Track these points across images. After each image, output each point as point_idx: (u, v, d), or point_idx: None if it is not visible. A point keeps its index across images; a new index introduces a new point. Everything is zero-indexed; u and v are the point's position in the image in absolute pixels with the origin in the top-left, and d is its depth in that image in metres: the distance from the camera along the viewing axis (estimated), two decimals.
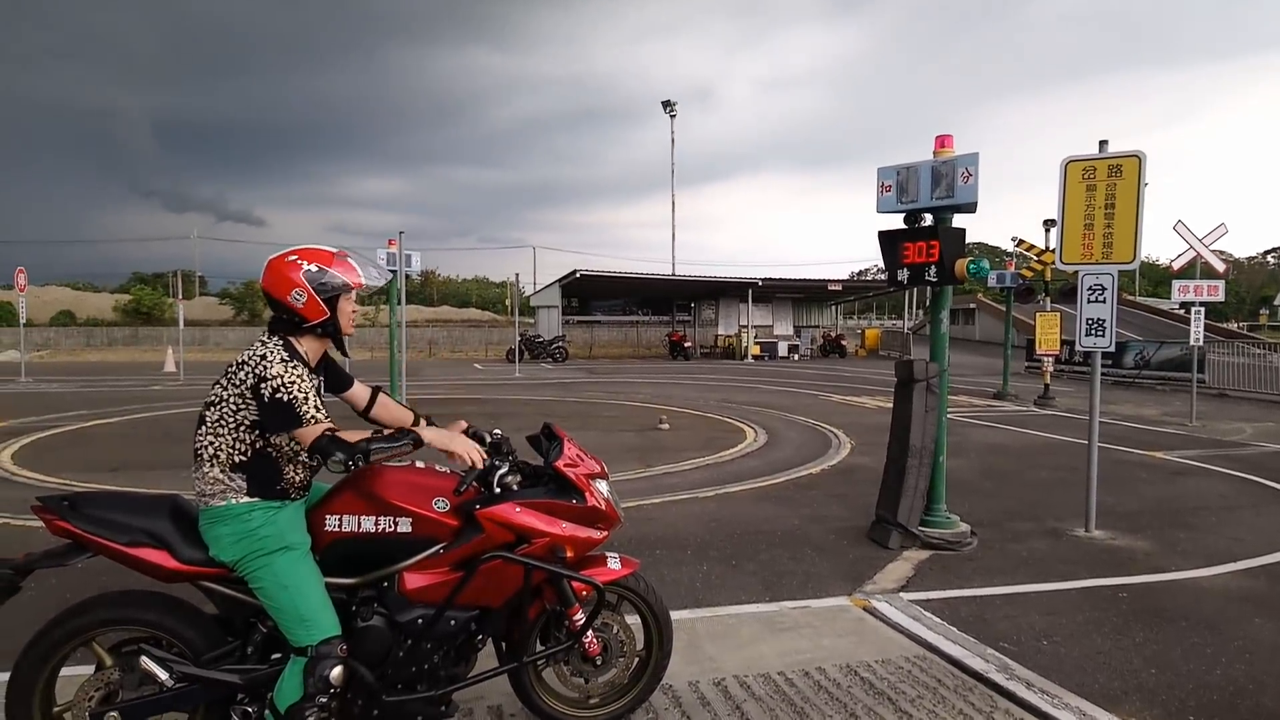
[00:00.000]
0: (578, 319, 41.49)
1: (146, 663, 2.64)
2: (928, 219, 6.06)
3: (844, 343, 38.08)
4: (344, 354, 3.05)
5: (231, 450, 2.68)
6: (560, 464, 3.02)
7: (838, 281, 41.18)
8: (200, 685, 2.71)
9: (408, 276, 14.96)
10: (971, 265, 5.77)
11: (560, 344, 33.48)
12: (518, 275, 27.68)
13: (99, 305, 53.45)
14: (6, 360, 31.71)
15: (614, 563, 3.18)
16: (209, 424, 2.70)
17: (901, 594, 5.00)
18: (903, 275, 6.15)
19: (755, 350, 35.09)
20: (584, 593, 3.07)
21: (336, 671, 2.60)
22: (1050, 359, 16.51)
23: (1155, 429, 12.79)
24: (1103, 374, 9.22)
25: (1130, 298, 43.67)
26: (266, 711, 2.71)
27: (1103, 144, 6.32)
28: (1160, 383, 20.54)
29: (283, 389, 2.59)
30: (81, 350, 40.12)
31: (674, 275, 41.75)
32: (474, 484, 2.88)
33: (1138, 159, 6.03)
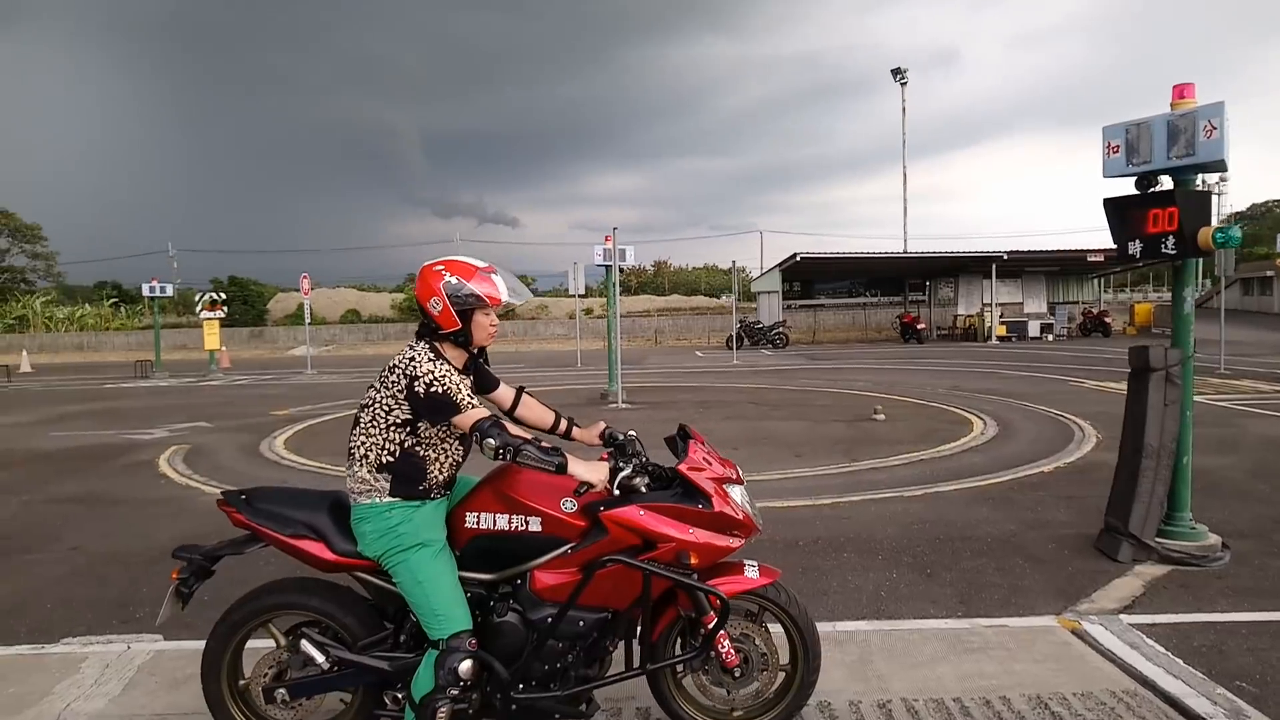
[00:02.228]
0: (800, 303, 40.59)
1: (306, 645, 2.90)
2: (1165, 182, 5.25)
3: (1108, 320, 34.25)
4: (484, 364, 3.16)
5: (381, 450, 2.84)
6: (684, 467, 2.93)
7: (1099, 251, 36.76)
8: (356, 669, 2.93)
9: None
10: (1218, 234, 4.91)
11: (780, 329, 33.00)
12: (734, 261, 27.61)
13: (379, 304, 60.06)
14: (298, 355, 36.64)
15: (751, 571, 3.03)
16: (362, 425, 2.89)
17: (1122, 616, 4.36)
18: (1134, 248, 5.39)
19: (1001, 331, 32.57)
20: (716, 601, 2.97)
21: (465, 665, 2.69)
22: None
23: None
24: None
25: None
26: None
27: None
28: None
29: (436, 382, 2.74)
30: (360, 345, 45.46)
31: (905, 252, 39.60)
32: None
33: None
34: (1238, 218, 51.84)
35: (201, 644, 3.02)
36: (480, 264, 2.95)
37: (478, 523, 2.92)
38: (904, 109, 45.61)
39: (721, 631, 2.97)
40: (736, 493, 2.98)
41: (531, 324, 47.34)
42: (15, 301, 52.57)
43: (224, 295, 26.94)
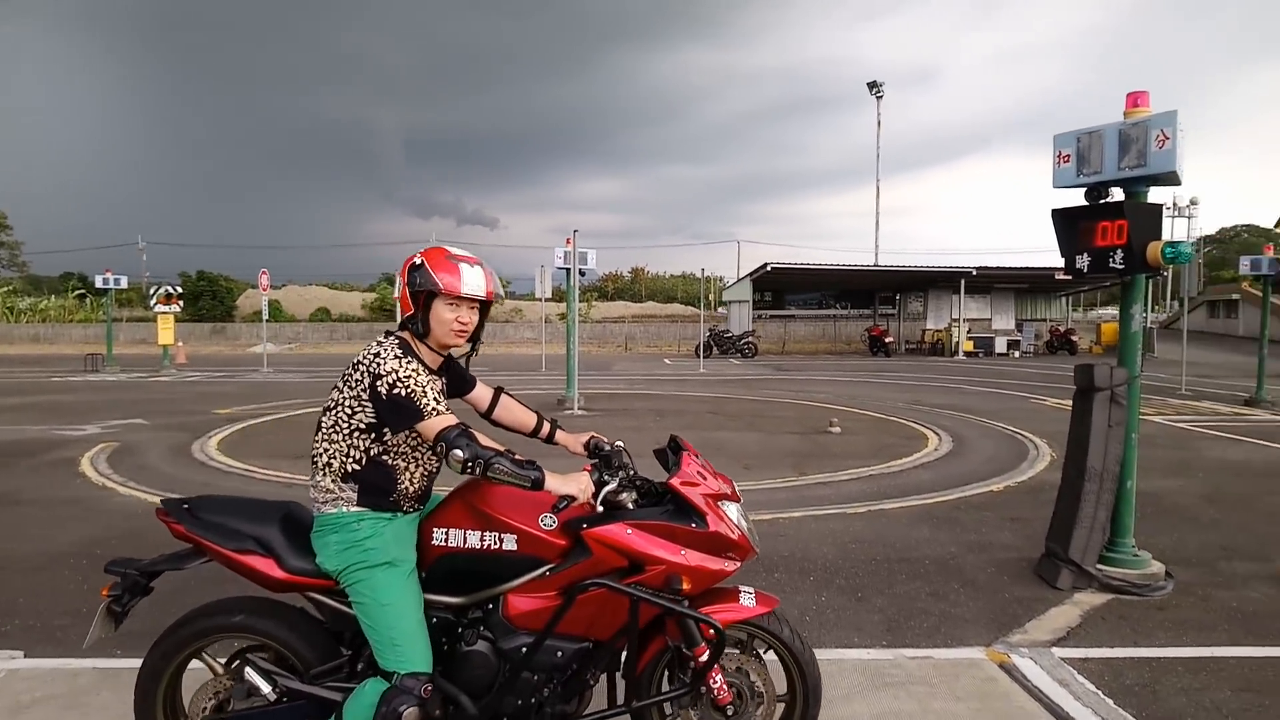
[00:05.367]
0: (770, 313, 40.52)
1: (251, 674, 2.59)
2: (1116, 194, 5.06)
3: (1074, 338, 34.47)
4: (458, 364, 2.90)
5: (345, 458, 2.53)
6: (676, 481, 2.63)
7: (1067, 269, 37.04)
8: (306, 701, 2.60)
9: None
10: (1168, 249, 4.71)
11: (749, 339, 32.83)
12: (703, 269, 27.48)
13: (351, 303, 59.20)
14: (258, 352, 35.94)
15: (747, 599, 2.72)
16: (324, 429, 2.58)
17: (1054, 649, 4.12)
18: (1082, 262, 5.18)
19: (968, 346, 32.65)
20: (710, 631, 2.66)
21: (411, 713, 2.35)
22: None
23: None
24: None
25: None
26: None
27: None
28: None
29: (399, 383, 2.42)
30: (325, 344, 44.68)
31: (875, 266, 39.65)
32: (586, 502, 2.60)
33: None
34: (1206, 241, 52.43)
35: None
36: (461, 253, 2.62)
37: (446, 540, 2.61)
38: (879, 122, 45.94)
39: (715, 665, 2.67)
40: (732, 510, 2.69)
41: (502, 328, 46.83)
42: None
43: (179, 289, 26.22)
